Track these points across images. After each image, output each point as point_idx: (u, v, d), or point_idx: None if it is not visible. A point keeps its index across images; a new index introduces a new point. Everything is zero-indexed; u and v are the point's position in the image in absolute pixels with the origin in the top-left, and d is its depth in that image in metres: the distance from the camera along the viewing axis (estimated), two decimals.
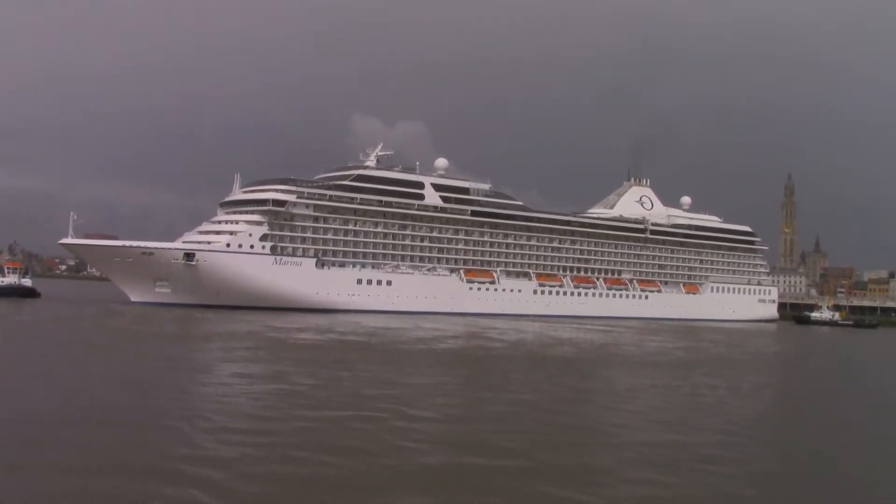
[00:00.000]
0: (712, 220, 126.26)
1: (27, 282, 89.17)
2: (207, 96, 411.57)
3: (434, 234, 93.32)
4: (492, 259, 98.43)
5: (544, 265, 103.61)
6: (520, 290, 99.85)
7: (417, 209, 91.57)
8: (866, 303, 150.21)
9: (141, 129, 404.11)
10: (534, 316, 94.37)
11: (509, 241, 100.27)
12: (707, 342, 67.87)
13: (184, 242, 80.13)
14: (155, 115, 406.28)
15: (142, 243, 78.57)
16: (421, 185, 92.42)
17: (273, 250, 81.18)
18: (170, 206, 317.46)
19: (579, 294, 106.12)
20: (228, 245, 78.73)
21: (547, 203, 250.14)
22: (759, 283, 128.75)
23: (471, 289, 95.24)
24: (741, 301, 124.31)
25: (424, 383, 30.27)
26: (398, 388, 27.85)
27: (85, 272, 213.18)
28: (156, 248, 77.77)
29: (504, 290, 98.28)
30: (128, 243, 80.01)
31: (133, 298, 79.19)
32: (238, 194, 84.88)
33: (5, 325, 53.23)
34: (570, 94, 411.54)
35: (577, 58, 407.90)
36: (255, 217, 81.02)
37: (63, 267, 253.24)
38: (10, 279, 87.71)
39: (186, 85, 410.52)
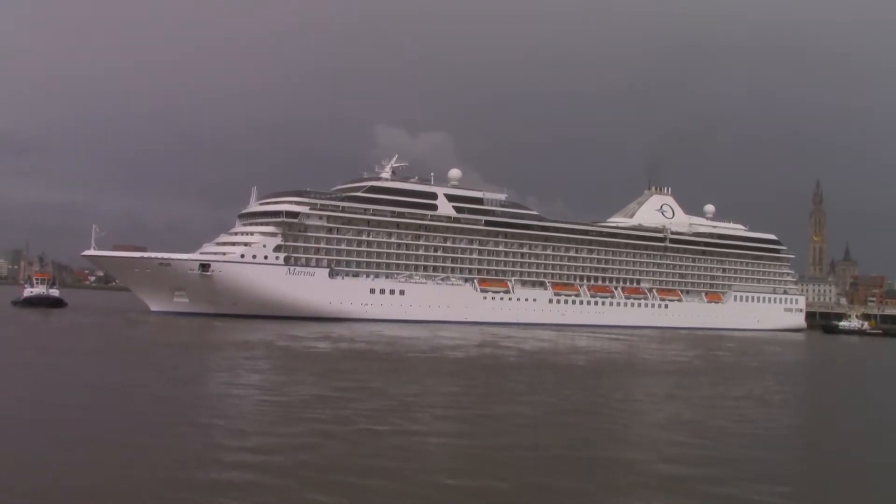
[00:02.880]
0: (736, 229, 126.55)
1: (55, 292, 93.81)
2: (236, 109, 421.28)
3: (448, 244, 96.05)
4: (507, 269, 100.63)
5: (560, 275, 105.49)
6: (535, 300, 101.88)
7: (430, 220, 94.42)
8: None
9: (170, 141, 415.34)
10: (549, 325, 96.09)
11: (524, 250, 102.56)
12: (723, 351, 68.67)
13: (201, 253, 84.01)
14: (185, 128, 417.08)
15: (159, 254, 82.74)
16: (434, 196, 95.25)
17: (287, 261, 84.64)
18: (200, 216, 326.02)
19: (596, 303, 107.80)
20: (243, 256, 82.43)
21: (573, 212, 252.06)
22: (785, 292, 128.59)
23: (485, 298, 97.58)
24: (766, 310, 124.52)
25: (438, 392, 31.17)
26: (405, 401, 28.11)
27: (114, 283, 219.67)
28: (172, 259, 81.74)
29: (519, 299, 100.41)
30: (146, 254, 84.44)
31: (153, 308, 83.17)
32: (255, 206, 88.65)
33: (29, 332, 57.18)
34: (596, 101, 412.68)
35: (602, 63, 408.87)
36: (270, 228, 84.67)
37: (92, 278, 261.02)
38: (38, 290, 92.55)
39: (218, 109, 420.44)
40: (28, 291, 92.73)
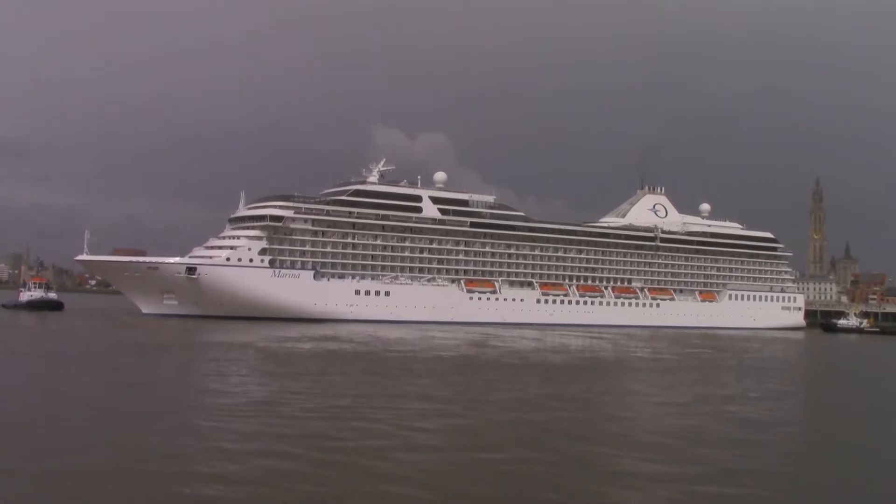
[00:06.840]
0: (732, 227, 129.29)
1: (53, 295, 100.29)
2: (234, 110, 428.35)
3: (433, 245, 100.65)
4: (493, 269, 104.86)
5: (548, 274, 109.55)
6: (522, 300, 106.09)
7: (415, 222, 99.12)
8: None
9: (171, 144, 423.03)
10: (537, 325, 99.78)
11: (511, 251, 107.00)
12: (700, 349, 71.97)
13: (190, 257, 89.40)
14: (185, 131, 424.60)
15: (148, 259, 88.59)
16: (419, 199, 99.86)
17: (272, 263, 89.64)
18: (201, 218, 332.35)
19: (585, 303, 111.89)
20: (228, 259, 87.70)
21: (572, 212, 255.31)
22: (782, 290, 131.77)
23: (471, 298, 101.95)
24: (763, 309, 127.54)
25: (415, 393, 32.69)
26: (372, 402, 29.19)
27: (113, 287, 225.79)
28: (160, 262, 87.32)
29: (506, 299, 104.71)
30: (135, 259, 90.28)
31: (144, 310, 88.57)
32: (242, 211, 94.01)
33: (19, 335, 62.53)
34: (598, 99, 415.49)
35: (603, 61, 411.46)
36: (255, 232, 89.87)
37: (93, 282, 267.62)
38: (36, 293, 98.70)
39: (217, 109, 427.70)
40: (27, 295, 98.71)
